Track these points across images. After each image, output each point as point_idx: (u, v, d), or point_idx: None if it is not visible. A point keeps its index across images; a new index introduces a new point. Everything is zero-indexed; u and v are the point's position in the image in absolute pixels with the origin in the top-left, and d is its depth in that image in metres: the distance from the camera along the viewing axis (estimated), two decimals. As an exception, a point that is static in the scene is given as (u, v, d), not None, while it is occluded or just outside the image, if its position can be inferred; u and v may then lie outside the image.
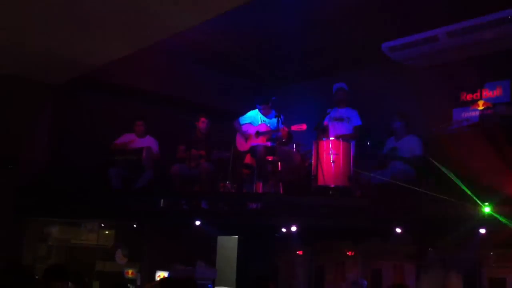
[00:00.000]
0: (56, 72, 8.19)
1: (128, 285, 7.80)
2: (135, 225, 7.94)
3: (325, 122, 7.67)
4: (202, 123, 8.11)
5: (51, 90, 8.61)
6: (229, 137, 8.05)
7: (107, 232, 8.25)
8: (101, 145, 8.28)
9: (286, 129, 7.34)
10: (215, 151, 7.92)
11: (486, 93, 7.72)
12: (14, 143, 8.12)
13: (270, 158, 7.36)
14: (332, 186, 6.57)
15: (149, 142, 8.25)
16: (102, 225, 8.17)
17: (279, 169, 7.32)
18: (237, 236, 7.87)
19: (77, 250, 8.32)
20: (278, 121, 7.27)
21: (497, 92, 7.59)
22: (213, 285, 8.04)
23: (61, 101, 8.68)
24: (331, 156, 6.64)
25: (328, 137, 7.23)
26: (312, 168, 6.78)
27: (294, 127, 7.21)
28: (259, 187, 7.35)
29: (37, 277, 5.72)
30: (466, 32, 7.20)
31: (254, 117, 7.73)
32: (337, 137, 7.07)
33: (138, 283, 7.98)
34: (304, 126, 7.14)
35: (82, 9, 6.08)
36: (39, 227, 8.43)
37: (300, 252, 7.97)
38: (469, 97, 7.91)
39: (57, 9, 6.10)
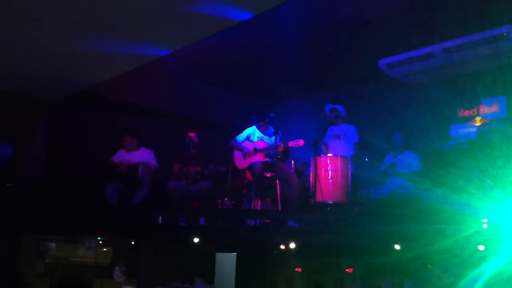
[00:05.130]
0: (54, 89, 8.22)
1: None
2: (133, 242, 7.90)
3: (326, 141, 7.71)
4: (193, 137, 8.12)
5: (47, 106, 8.62)
6: (224, 151, 8.06)
7: (104, 249, 8.19)
8: (98, 160, 8.27)
9: (283, 145, 7.35)
10: (210, 165, 7.92)
11: (483, 109, 7.76)
12: (10, 159, 8.10)
13: (268, 175, 7.36)
14: (330, 202, 6.57)
15: (144, 154, 8.24)
16: (100, 242, 8.12)
17: (277, 185, 7.32)
18: (235, 253, 7.83)
19: (75, 268, 8.26)
20: (276, 137, 7.28)
21: (493, 108, 7.64)
22: (211, 302, 7.99)
23: (57, 116, 8.68)
24: (329, 172, 6.65)
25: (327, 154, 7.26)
26: (310, 185, 6.78)
27: (291, 143, 7.21)
28: (257, 204, 7.34)
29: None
30: (462, 49, 7.27)
31: (251, 134, 7.74)
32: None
33: (136, 300, 7.93)
34: (301, 142, 7.15)
35: (80, 28, 6.12)
36: (36, 244, 8.37)
37: (299, 269, 7.93)
38: (466, 113, 7.94)
39: (55, 29, 6.14)
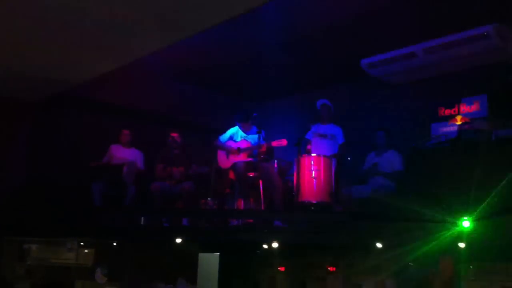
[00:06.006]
0: (34, 91, 8.15)
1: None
2: (115, 244, 7.85)
3: (309, 138, 7.72)
4: (176, 137, 8.11)
5: (29, 108, 8.55)
6: (208, 152, 8.05)
7: (86, 251, 8.13)
8: (80, 161, 8.22)
9: (266, 145, 7.35)
10: (194, 165, 7.90)
11: (464, 108, 7.81)
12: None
13: (251, 175, 7.35)
14: (314, 202, 6.58)
15: (134, 154, 8.23)
16: (82, 243, 8.06)
17: (260, 185, 7.32)
18: (218, 253, 7.82)
19: (56, 270, 8.20)
20: (259, 137, 7.28)
21: (474, 107, 7.68)
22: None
23: (39, 118, 8.61)
24: (312, 172, 6.66)
25: (310, 152, 7.26)
26: (294, 184, 6.79)
27: (275, 143, 7.21)
28: (241, 204, 7.33)
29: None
30: (443, 49, 7.32)
31: (234, 134, 7.72)
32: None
33: (119, 302, 7.88)
34: (284, 142, 7.15)
35: (62, 28, 6.07)
36: (17, 246, 8.30)
37: (282, 268, 7.94)
38: (447, 112, 7.99)
39: (36, 29, 6.09)
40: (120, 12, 5.68)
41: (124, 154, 8.20)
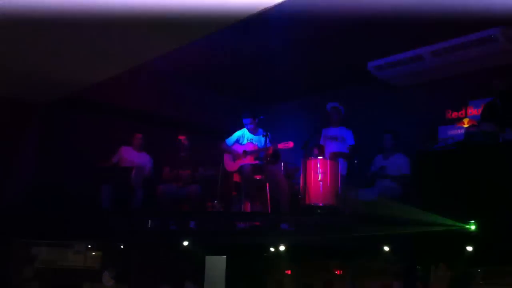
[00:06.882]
0: (43, 93, 8.19)
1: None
2: (122, 246, 7.88)
3: (321, 143, 7.75)
4: (183, 140, 8.13)
5: (37, 110, 8.59)
6: (214, 154, 8.06)
7: (94, 253, 8.17)
8: (88, 164, 8.24)
9: (273, 147, 7.35)
10: (200, 168, 7.92)
11: (471, 110, 7.79)
12: (0, 164, 8.07)
13: (257, 177, 7.36)
14: (320, 204, 6.58)
15: (144, 158, 8.26)
16: (89, 246, 8.09)
17: (267, 188, 7.32)
18: (225, 256, 7.83)
19: (64, 272, 8.23)
20: (265, 139, 7.28)
21: (481, 110, 7.65)
22: (202, 306, 7.97)
23: (48, 121, 8.65)
24: (318, 175, 6.66)
25: (324, 156, 7.28)
26: (300, 187, 6.79)
27: (281, 145, 7.22)
28: (247, 207, 7.34)
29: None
30: (450, 51, 7.32)
31: (241, 137, 7.74)
32: (334, 155, 7.15)
33: (126, 305, 7.90)
34: (290, 144, 7.16)
35: (71, 31, 6.10)
36: (25, 249, 8.33)
37: (289, 271, 7.93)
38: (454, 115, 7.98)
39: (45, 32, 6.12)
40: (128, 14, 5.70)
41: (134, 157, 8.23)
